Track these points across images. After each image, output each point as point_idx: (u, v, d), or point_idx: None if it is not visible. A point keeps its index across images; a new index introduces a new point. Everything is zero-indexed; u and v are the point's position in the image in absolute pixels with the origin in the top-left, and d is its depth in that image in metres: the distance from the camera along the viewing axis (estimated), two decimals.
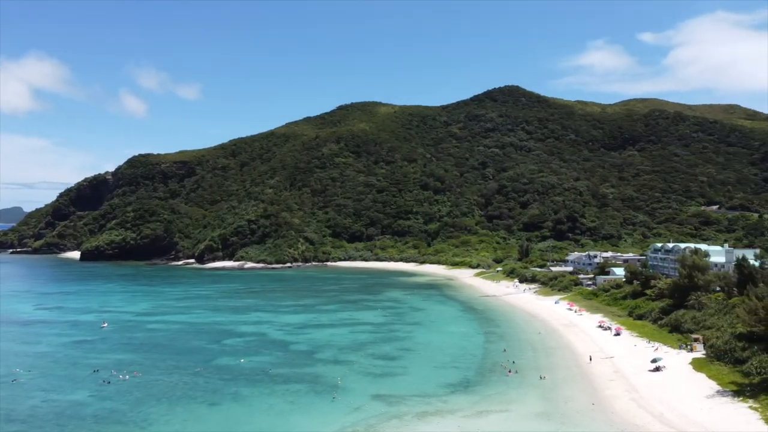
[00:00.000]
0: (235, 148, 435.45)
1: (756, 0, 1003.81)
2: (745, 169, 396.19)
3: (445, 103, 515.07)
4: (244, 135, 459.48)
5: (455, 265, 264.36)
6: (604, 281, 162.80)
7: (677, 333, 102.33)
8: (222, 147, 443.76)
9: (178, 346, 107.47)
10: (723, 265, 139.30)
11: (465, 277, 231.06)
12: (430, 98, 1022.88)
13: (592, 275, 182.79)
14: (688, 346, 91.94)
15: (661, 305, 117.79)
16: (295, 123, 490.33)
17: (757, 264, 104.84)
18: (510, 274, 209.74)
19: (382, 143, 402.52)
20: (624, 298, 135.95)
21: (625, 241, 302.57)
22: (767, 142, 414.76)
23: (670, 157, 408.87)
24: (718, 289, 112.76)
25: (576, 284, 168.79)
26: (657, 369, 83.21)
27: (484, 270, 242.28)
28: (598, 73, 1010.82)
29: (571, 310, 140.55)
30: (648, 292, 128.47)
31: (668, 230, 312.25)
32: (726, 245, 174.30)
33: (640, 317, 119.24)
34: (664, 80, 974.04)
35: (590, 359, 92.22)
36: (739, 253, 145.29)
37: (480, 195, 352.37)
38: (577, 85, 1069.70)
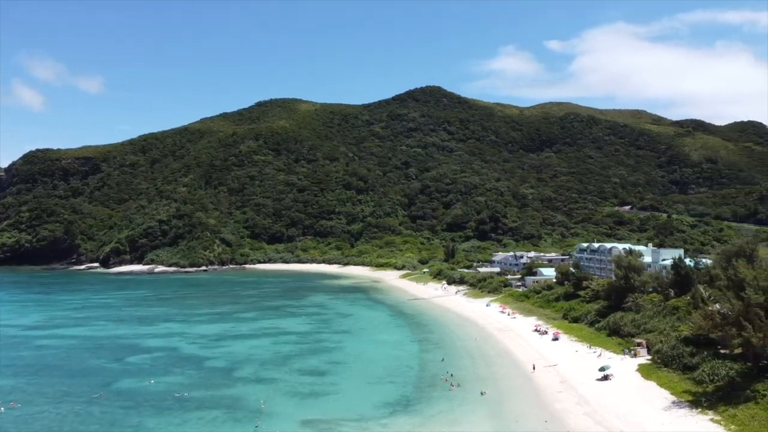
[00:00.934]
0: (145, 144, 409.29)
1: (653, 13, 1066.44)
2: (653, 172, 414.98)
3: (367, 101, 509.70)
4: (155, 130, 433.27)
5: (380, 266, 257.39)
6: (534, 282, 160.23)
7: (617, 336, 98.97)
8: (131, 143, 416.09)
9: (72, 367, 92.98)
10: (649, 265, 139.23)
11: (391, 278, 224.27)
12: (352, 97, 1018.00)
13: (520, 276, 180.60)
14: (632, 351, 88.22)
15: (597, 307, 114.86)
16: (211, 119, 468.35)
17: (692, 264, 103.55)
18: (437, 275, 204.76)
19: (302, 141, 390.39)
20: (557, 299, 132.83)
21: (545, 240, 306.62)
22: (672, 146, 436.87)
23: (584, 158, 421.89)
24: (651, 290, 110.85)
25: (505, 285, 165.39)
26: (605, 378, 78.39)
27: (409, 271, 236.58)
28: (509, 78, 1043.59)
29: (503, 312, 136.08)
30: (581, 293, 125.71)
31: (585, 230, 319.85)
32: (650, 245, 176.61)
33: (575, 320, 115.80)
34: (570, 86, 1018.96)
35: (534, 368, 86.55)
36: (675, 253, 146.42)
37: (403, 195, 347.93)
38: (490, 89, 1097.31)
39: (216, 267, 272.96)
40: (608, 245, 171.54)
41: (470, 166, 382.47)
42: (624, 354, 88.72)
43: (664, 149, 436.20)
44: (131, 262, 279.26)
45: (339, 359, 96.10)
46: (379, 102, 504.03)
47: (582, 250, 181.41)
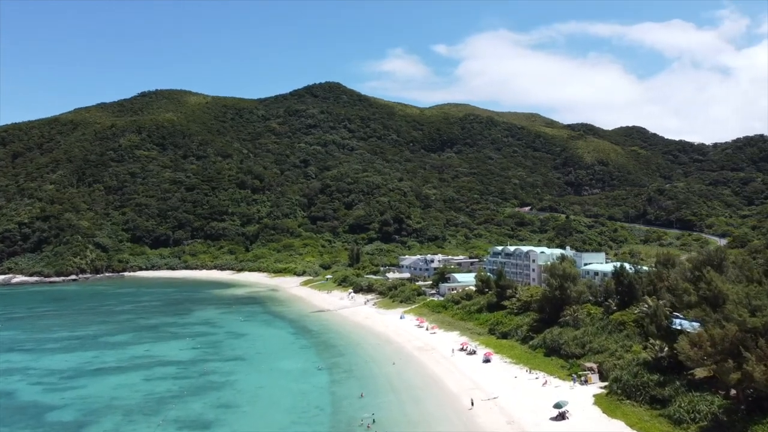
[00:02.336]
0: (5, 136, 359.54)
1: (532, 22, 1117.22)
2: (549, 173, 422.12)
3: (263, 96, 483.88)
4: (19, 120, 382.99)
5: (278, 272, 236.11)
6: (451, 290, 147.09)
7: (556, 357, 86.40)
8: None
9: None
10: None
11: (291, 286, 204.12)
12: (247, 90, 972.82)
13: (432, 282, 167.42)
14: (582, 377, 75.53)
15: (528, 320, 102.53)
16: (87, 109, 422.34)
17: (632, 272, 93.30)
18: (342, 282, 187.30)
19: (192, 135, 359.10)
20: (479, 311, 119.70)
21: (450, 242, 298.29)
22: (566, 149, 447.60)
23: (485, 159, 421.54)
24: (587, 300, 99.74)
25: (419, 294, 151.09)
26: (561, 416, 64.52)
27: (311, 278, 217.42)
28: (399, 80, 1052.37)
29: (421, 326, 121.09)
30: (506, 303, 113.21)
31: (488, 231, 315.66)
32: (568, 248, 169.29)
33: (504, 335, 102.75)
34: (457, 90, 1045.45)
35: (472, 403, 71.39)
36: (598, 257, 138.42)
37: (302, 195, 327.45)
38: (382, 90, 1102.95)
39: (88, 276, 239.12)
40: (524, 248, 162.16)
41: (372, 165, 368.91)
42: (573, 381, 75.79)
43: (559, 151, 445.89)
44: None
45: (230, 401, 76.02)
46: (276, 97, 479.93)
47: (496, 254, 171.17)
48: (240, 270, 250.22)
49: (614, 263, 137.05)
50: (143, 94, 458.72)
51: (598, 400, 68.47)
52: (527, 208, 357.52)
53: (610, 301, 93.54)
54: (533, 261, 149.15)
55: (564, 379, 77.69)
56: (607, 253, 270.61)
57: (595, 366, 76.66)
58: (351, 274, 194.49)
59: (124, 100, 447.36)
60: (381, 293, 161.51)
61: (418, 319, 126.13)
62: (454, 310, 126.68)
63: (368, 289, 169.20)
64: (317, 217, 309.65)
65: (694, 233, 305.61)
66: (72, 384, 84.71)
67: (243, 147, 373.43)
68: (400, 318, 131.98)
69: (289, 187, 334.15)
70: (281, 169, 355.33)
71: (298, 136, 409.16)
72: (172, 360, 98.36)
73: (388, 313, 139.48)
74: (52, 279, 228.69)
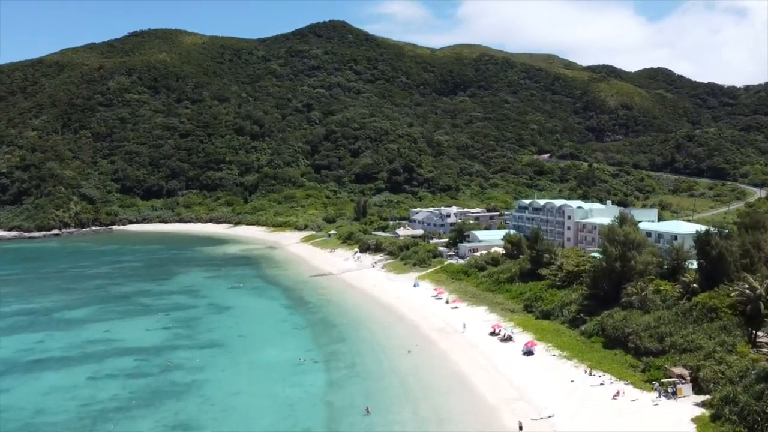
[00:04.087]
0: None
1: None
2: (569, 118, 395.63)
3: (263, 36, 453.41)
4: (1, 62, 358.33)
5: (278, 226, 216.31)
6: (472, 252, 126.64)
7: (621, 350, 66.19)
8: None
9: None
10: None
11: (291, 243, 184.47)
12: (246, 30, 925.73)
13: (448, 240, 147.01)
14: (668, 388, 55.31)
15: (575, 296, 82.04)
16: (74, 50, 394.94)
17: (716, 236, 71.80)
18: (347, 239, 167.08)
19: (186, 78, 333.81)
20: (510, 280, 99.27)
21: (464, 192, 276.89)
22: (587, 92, 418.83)
23: (500, 103, 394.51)
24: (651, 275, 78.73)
25: (434, 256, 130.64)
26: None
27: (313, 233, 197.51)
28: (399, 22, 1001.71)
29: (440, 299, 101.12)
30: (545, 273, 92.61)
31: (505, 180, 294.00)
32: (609, 202, 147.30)
33: (545, 315, 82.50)
34: (461, 33, 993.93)
35: (520, 428, 51.54)
36: (648, 215, 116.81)
37: (305, 141, 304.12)
38: (384, 33, 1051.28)
39: (73, 230, 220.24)
40: (557, 202, 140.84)
41: (380, 110, 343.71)
42: (656, 392, 55.61)
43: (580, 95, 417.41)
44: None
45: (190, 418, 56.52)
46: (277, 37, 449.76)
47: (522, 208, 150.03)
48: (237, 223, 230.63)
49: (669, 222, 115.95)
50: (134, 34, 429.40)
51: (702, 426, 48.41)
52: (546, 156, 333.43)
53: (687, 276, 72.65)
54: (568, 217, 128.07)
55: (641, 388, 57.51)
56: (634, 205, 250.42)
57: (686, 372, 56.29)
58: (357, 230, 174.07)
59: (114, 40, 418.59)
60: (391, 254, 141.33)
61: (435, 289, 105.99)
62: (478, 278, 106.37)
63: (376, 249, 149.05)
64: (321, 166, 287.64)
65: (728, 183, 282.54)
66: None
67: (241, 90, 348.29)
68: (414, 286, 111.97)
69: (291, 133, 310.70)
70: (282, 114, 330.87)
71: (301, 78, 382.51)
72: (133, 347, 78.95)
73: (400, 279, 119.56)
74: (32, 234, 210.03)
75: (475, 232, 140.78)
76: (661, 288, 73.71)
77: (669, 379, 56.15)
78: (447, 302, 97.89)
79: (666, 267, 79.16)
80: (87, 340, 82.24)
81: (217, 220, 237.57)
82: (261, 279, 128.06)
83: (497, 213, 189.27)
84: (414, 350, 75.20)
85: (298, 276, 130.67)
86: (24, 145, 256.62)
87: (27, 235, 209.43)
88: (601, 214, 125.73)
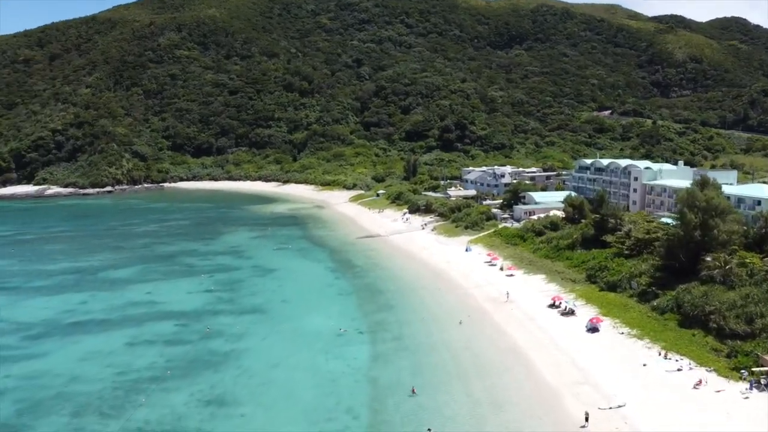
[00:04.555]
0: (43, 36, 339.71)
1: None
2: (633, 72, 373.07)
3: None
4: (57, 20, 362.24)
5: (326, 185, 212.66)
6: (528, 215, 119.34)
7: (700, 330, 59.02)
8: (25, 34, 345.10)
9: None
10: None
11: (339, 202, 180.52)
12: None
13: (502, 201, 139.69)
14: (762, 379, 48.30)
15: (645, 267, 74.45)
16: (126, 6, 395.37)
17: None
18: (396, 199, 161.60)
19: (235, 33, 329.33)
20: (571, 247, 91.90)
21: (518, 151, 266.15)
22: (653, 44, 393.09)
23: (559, 57, 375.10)
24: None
25: (488, 219, 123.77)
26: None
27: (361, 192, 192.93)
28: None
29: (493, 265, 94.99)
30: (611, 240, 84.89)
31: (562, 138, 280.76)
32: (681, 162, 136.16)
33: (611, 287, 75.30)
34: None
35: (586, 419, 45.82)
36: (727, 175, 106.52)
37: (355, 98, 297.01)
38: None
39: (125, 187, 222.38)
40: (622, 162, 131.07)
41: (432, 65, 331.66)
42: (745, 381, 48.73)
43: (645, 47, 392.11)
44: (19, 182, 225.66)
45: (227, 393, 53.13)
46: None
47: (583, 168, 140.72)
48: (286, 182, 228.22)
49: (750, 185, 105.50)
50: None
51: None
52: (607, 113, 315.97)
53: None
54: (635, 179, 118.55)
55: (726, 376, 50.66)
56: (702, 165, 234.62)
57: None
58: (406, 189, 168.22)
59: None
60: (441, 215, 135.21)
61: (489, 254, 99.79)
62: (535, 244, 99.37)
63: (426, 210, 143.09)
64: (371, 123, 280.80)
65: None
66: (32, 350, 64.04)
67: (290, 45, 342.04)
68: (466, 251, 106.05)
69: (340, 89, 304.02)
70: (332, 69, 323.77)
71: (351, 32, 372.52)
72: (174, 310, 76.54)
73: (451, 243, 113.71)
74: (86, 191, 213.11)
75: (531, 194, 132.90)
76: (747, 261, 65.51)
77: (762, 368, 49.06)
78: (501, 269, 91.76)
79: (752, 237, 70.48)
80: (129, 302, 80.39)
81: (265, 178, 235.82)
82: (307, 240, 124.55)
83: (554, 173, 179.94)
84: (466, 321, 69.98)
85: (346, 237, 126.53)
86: (78, 103, 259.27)
87: (82, 191, 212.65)
88: (672, 176, 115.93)
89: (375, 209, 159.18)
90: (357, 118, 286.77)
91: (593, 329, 64.17)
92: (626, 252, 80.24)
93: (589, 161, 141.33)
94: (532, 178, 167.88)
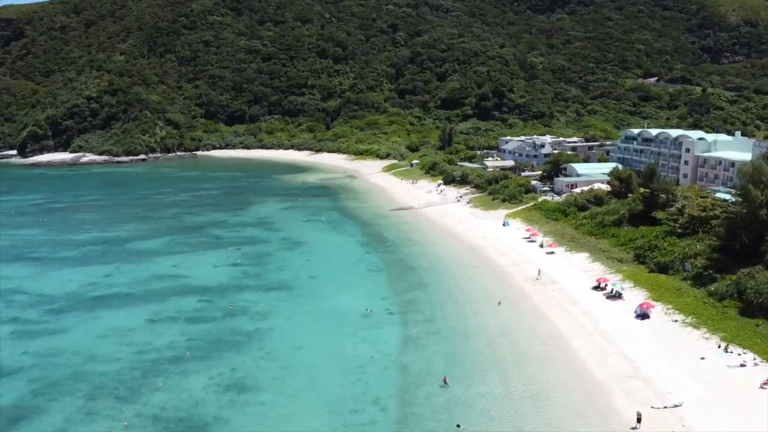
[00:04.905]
0: (79, 3, 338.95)
1: None
2: (682, 37, 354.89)
3: None
4: None
5: (359, 154, 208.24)
6: (569, 188, 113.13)
7: (766, 320, 53.41)
8: (62, 1, 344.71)
9: None
10: None
11: (371, 172, 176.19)
12: None
13: (542, 173, 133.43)
14: None
15: (701, 248, 68.47)
16: None
17: None
18: (430, 170, 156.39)
19: None
20: (617, 223, 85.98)
21: (558, 120, 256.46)
22: (704, 6, 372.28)
23: (603, 21, 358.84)
24: None
25: (527, 191, 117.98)
26: None
27: (395, 162, 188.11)
28: None
29: (533, 241, 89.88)
30: (662, 217, 78.73)
31: (604, 106, 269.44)
32: (738, 133, 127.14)
33: (662, 268, 69.59)
34: None
35: (638, 420, 41.31)
36: None
37: (389, 65, 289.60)
38: None
39: (159, 155, 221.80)
40: (672, 132, 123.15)
41: (469, 30, 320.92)
42: None
43: (695, 10, 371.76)
44: (55, 149, 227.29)
45: (248, 377, 50.17)
46: None
47: (630, 138, 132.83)
48: (318, 150, 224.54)
49: None
50: None
51: None
52: (653, 80, 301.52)
53: None
54: (686, 150, 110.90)
55: None
56: (755, 135, 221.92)
57: None
58: (441, 159, 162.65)
59: None
60: (478, 187, 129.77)
61: (528, 230, 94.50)
62: (578, 219, 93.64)
63: (462, 181, 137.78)
64: (405, 91, 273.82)
65: None
66: (52, 325, 62.24)
67: (324, 11, 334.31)
68: (503, 225, 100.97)
69: (374, 56, 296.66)
70: (366, 35, 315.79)
71: None
72: (198, 285, 74.01)
73: (487, 217, 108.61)
74: (120, 159, 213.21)
75: (573, 165, 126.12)
76: None
77: None
78: (541, 246, 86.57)
79: None
80: (154, 275, 78.23)
81: (298, 147, 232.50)
82: (338, 211, 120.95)
83: (597, 143, 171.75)
84: (504, 303, 65.57)
85: (378, 209, 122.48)
86: (112, 70, 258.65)
87: (116, 159, 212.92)
88: (728, 147, 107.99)
89: (408, 180, 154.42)
90: (391, 86, 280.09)
91: (643, 315, 59.05)
92: (679, 230, 74.19)
93: (636, 131, 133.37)
94: (574, 149, 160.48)
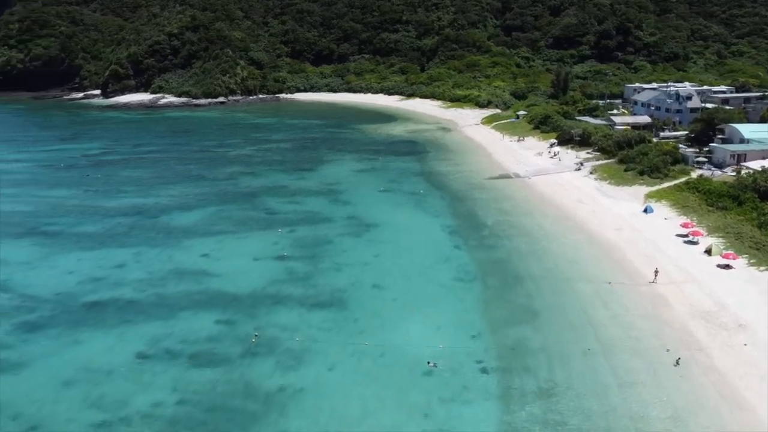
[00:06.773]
0: None
1: None
2: None
3: None
4: None
5: (456, 101, 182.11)
6: (735, 160, 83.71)
7: None
8: None
9: None
10: None
11: (469, 124, 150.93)
12: None
13: (687, 134, 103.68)
14: None
15: None
16: None
17: None
18: (541, 125, 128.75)
19: None
20: None
21: (695, 63, 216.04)
22: None
23: None
24: None
25: (675, 161, 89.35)
26: None
27: (498, 111, 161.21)
28: None
29: (692, 242, 63.43)
30: None
31: (754, 47, 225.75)
32: None
33: None
34: None
35: None
36: None
37: None
38: None
39: (239, 98, 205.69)
40: None
41: None
42: None
43: None
44: (137, 90, 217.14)
45: None
46: None
47: None
48: (410, 95, 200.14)
49: None
50: None
51: None
52: None
53: None
54: None
55: None
56: None
57: None
58: (555, 111, 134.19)
59: None
60: (604, 151, 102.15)
61: (684, 225, 67.47)
62: (763, 212, 65.54)
63: (582, 142, 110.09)
64: (512, 27, 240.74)
65: None
66: (12, 353, 45.02)
67: None
68: (644, 211, 74.41)
69: None
70: None
71: None
72: (225, 292, 54.91)
73: (619, 195, 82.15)
74: (198, 101, 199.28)
75: (737, 126, 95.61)
76: None
77: None
78: (708, 253, 59.95)
79: None
80: (175, 271, 59.99)
81: (387, 91, 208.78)
82: (424, 178, 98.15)
83: (757, 95, 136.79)
84: (676, 359, 41.51)
85: (473, 176, 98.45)
86: (195, 4, 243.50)
87: (194, 102, 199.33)
88: None
89: (513, 136, 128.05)
90: (496, 21, 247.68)
91: None
92: None
93: None
94: (725, 101, 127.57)
